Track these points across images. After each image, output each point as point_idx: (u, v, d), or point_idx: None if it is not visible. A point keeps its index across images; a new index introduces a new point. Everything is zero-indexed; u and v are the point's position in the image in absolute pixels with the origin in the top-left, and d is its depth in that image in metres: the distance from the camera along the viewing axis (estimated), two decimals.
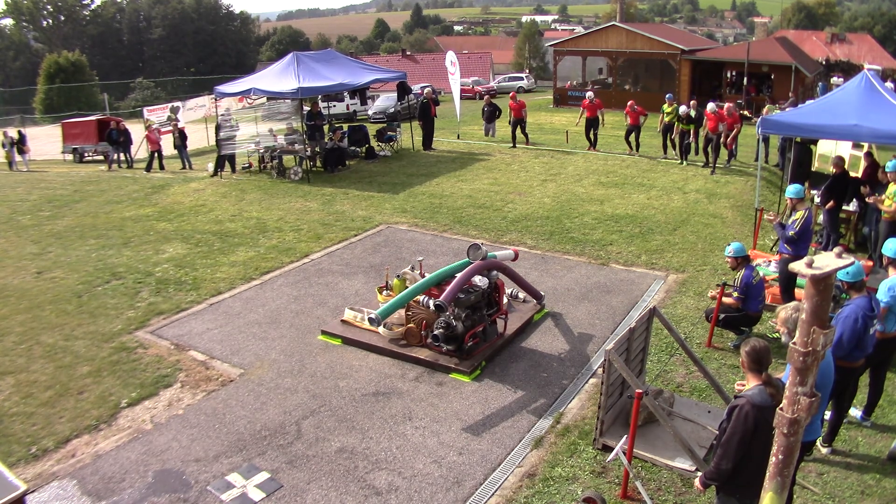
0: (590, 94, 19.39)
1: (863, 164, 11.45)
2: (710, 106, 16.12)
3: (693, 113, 16.43)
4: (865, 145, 11.64)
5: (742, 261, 7.65)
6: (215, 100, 18.73)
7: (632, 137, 18.24)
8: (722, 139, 15.92)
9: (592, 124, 18.99)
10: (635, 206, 13.35)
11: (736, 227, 12.03)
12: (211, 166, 17.93)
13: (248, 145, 17.88)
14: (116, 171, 21.40)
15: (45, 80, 53.70)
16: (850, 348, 5.50)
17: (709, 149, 16.28)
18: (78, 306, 9.24)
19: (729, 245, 7.78)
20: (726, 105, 16.47)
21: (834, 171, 10.63)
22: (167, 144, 21.66)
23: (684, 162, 16.92)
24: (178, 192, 15.97)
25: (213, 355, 7.78)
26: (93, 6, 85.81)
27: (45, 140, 30.45)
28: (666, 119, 17.39)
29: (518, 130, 19.93)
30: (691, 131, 16.82)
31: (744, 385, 4.22)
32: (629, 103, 18.27)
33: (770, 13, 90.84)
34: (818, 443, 5.75)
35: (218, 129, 17.71)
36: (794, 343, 3.03)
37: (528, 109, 21.35)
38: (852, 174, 11.09)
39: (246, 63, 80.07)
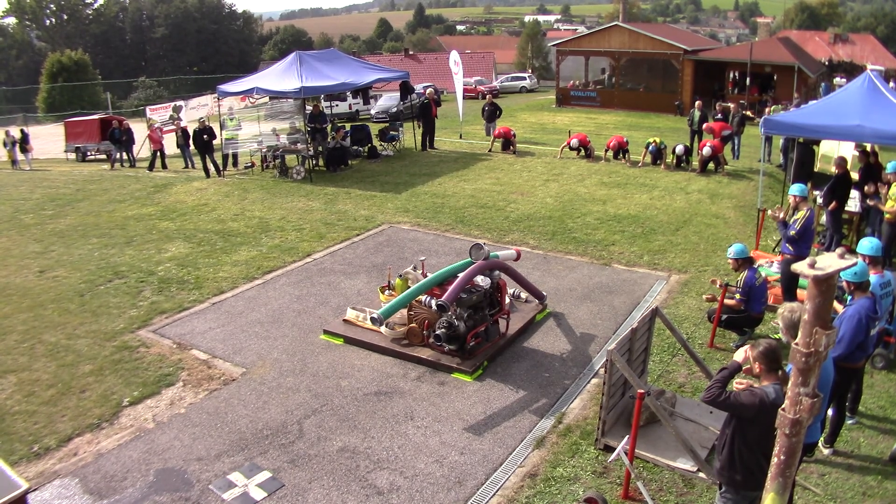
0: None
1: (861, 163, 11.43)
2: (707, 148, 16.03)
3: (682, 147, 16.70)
4: (868, 145, 11.63)
5: (744, 262, 7.62)
6: (218, 99, 18.74)
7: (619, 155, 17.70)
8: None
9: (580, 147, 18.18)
10: (638, 206, 13.33)
11: (738, 227, 12.01)
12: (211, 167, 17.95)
13: (251, 144, 17.91)
14: (119, 170, 21.43)
15: (47, 79, 53.79)
16: (853, 349, 5.51)
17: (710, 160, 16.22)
18: (80, 305, 9.26)
19: (731, 247, 7.77)
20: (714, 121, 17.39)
21: (836, 171, 10.62)
22: (170, 144, 21.68)
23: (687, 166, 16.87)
24: (181, 191, 15.98)
25: (216, 354, 7.79)
26: (96, 5, 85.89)
27: (48, 139, 30.48)
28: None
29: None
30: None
31: (742, 384, 4.21)
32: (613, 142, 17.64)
33: (773, 13, 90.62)
34: (820, 444, 5.74)
35: (197, 133, 17.77)
36: (796, 344, 3.03)
37: (530, 109, 21.25)
38: (860, 167, 11.15)
39: (248, 62, 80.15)
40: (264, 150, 17.73)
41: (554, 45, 38.56)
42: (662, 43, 31.62)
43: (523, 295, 8.86)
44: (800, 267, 2.93)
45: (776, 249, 10.28)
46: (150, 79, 67.97)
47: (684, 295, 9.13)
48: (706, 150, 15.80)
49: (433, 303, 7.42)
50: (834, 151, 13.29)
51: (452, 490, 5.49)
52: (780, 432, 3.17)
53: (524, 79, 55.15)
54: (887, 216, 9.44)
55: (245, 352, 7.82)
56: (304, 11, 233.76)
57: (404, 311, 7.75)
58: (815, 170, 13.53)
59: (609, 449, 5.71)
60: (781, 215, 8.41)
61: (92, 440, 6.27)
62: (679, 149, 16.53)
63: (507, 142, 19.06)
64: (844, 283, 5.76)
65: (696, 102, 18.91)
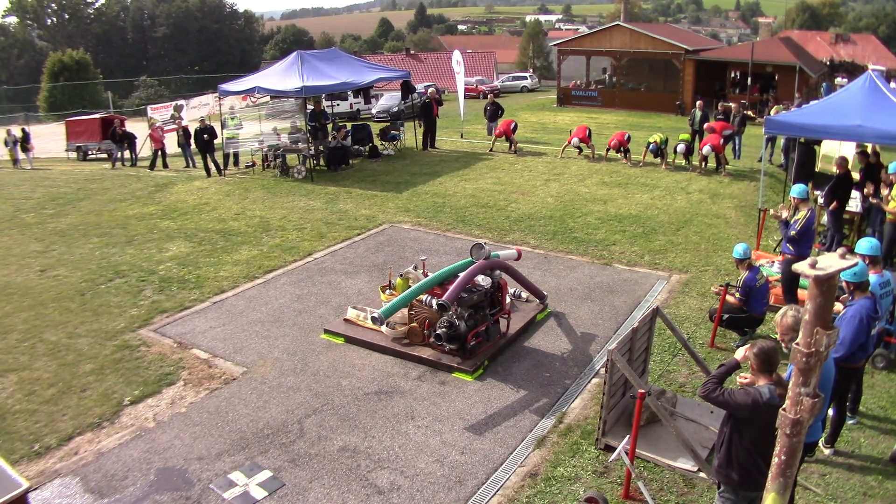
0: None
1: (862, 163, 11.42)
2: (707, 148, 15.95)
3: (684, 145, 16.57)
4: (869, 145, 11.63)
5: (746, 262, 7.69)
6: (219, 98, 18.75)
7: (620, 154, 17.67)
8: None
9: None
10: (638, 205, 13.33)
11: (739, 227, 12.01)
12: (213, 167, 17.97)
13: (252, 144, 17.92)
14: (120, 169, 21.43)
15: (49, 79, 53.78)
16: (854, 349, 5.50)
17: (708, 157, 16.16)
18: (81, 304, 9.26)
19: (735, 246, 7.84)
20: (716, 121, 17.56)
21: (837, 171, 10.61)
22: (171, 143, 21.69)
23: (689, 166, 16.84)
24: (182, 190, 15.99)
25: (216, 353, 7.79)
26: (97, 4, 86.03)
27: (49, 138, 30.45)
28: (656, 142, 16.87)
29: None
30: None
31: (746, 378, 4.23)
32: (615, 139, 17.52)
33: (774, 13, 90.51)
34: (820, 444, 5.74)
35: (198, 133, 17.80)
36: (797, 344, 3.03)
37: (531, 109, 21.22)
38: (860, 168, 11.13)
39: (250, 61, 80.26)
40: (265, 150, 17.72)
41: (555, 45, 38.58)
42: (664, 43, 31.61)
43: (524, 294, 8.86)
44: (800, 267, 2.92)
45: (777, 249, 10.28)
46: (151, 78, 67.97)
47: (685, 295, 9.12)
48: (706, 149, 15.79)
49: (434, 302, 7.42)
50: (835, 151, 13.28)
51: (453, 489, 5.49)
52: (781, 432, 3.16)
53: (525, 78, 55.15)
54: (889, 216, 9.43)
55: (246, 351, 7.82)
56: (305, 11, 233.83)
57: (405, 311, 7.75)
58: (817, 170, 13.53)
59: (610, 449, 5.71)
60: (785, 215, 8.42)
61: (93, 439, 6.27)
62: (680, 147, 16.50)
63: (509, 138, 19.01)
64: (844, 284, 5.76)
65: (698, 102, 18.91)
